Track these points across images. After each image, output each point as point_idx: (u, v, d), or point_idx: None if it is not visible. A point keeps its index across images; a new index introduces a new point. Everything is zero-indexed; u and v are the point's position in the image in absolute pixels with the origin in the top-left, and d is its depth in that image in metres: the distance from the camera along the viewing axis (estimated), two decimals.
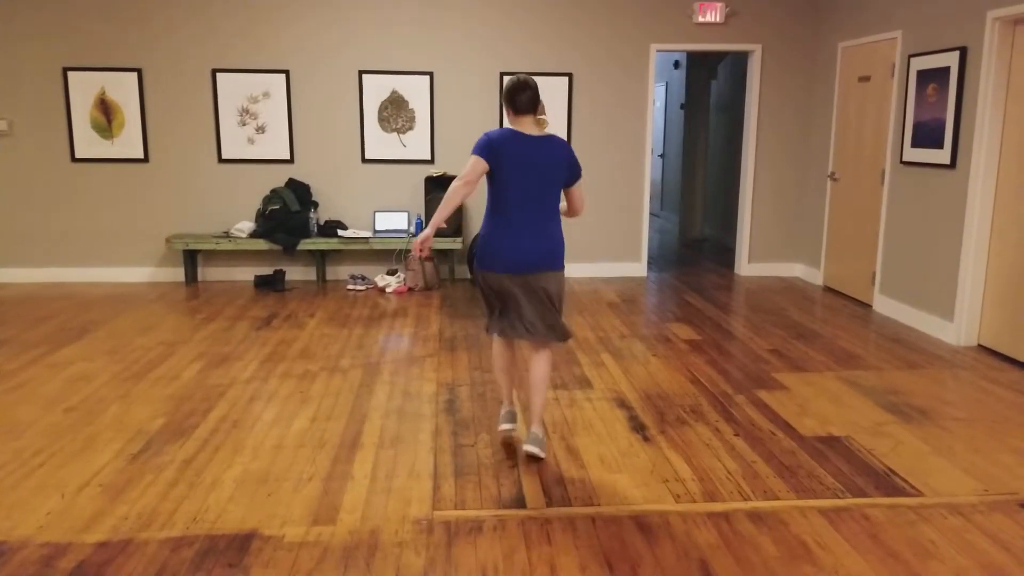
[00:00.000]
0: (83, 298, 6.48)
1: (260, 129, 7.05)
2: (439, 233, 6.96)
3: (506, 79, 3.35)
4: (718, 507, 3.01)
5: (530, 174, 3.22)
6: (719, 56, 9.72)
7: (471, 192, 3.21)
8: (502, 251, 3.26)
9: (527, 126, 3.28)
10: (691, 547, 2.72)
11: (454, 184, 3.17)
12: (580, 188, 3.39)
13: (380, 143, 7.17)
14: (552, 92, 7.19)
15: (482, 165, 3.19)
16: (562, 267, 3.38)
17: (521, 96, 3.23)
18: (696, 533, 2.82)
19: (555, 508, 2.99)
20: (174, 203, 7.10)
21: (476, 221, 7.36)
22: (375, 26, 6.99)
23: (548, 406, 4.04)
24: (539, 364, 3.40)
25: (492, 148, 3.19)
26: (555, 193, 3.31)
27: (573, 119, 7.28)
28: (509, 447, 3.55)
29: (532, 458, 3.39)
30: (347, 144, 7.17)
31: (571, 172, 3.33)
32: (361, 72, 7.04)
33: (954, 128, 5.25)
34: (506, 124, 3.37)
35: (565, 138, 7.23)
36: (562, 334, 3.42)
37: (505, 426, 3.57)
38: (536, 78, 7.10)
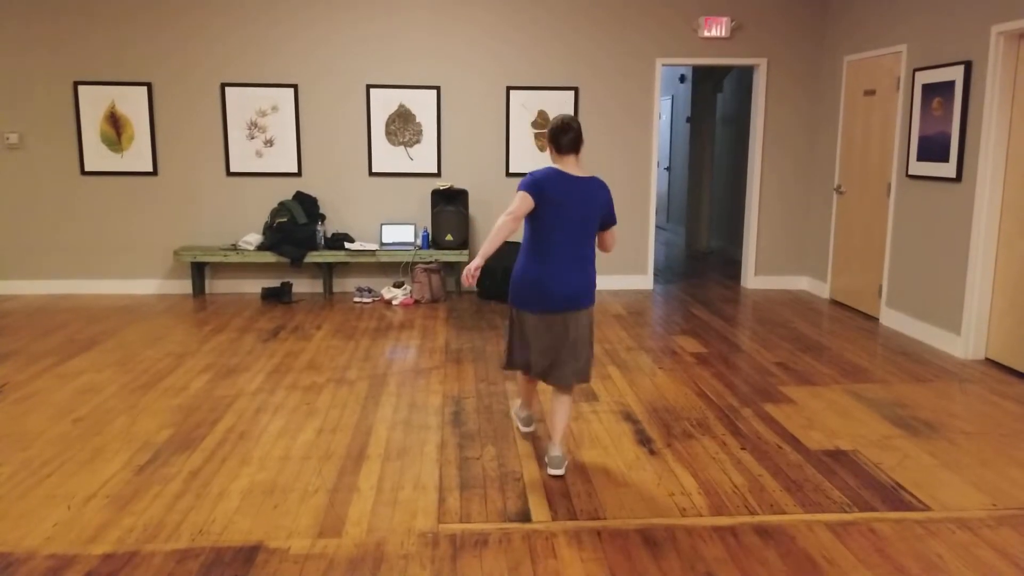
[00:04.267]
0: (92, 310, 6.51)
1: (268, 142, 7.10)
2: (444, 245, 6.98)
3: (552, 118, 3.43)
4: (724, 521, 3.00)
5: (572, 214, 3.27)
6: (725, 70, 9.76)
7: (517, 228, 3.26)
8: (543, 288, 3.30)
9: (570, 165, 3.35)
10: (697, 561, 2.71)
11: (502, 218, 3.22)
12: (614, 233, 3.47)
13: (387, 156, 7.21)
14: (558, 106, 7.22)
15: (529, 202, 3.24)
16: (593, 303, 3.44)
17: (565, 137, 3.33)
18: (702, 547, 2.81)
19: (561, 522, 2.99)
20: (182, 216, 7.14)
21: (482, 235, 7.38)
22: (383, 40, 7.05)
23: None
24: (563, 403, 3.45)
25: (538, 187, 3.24)
26: (593, 233, 3.37)
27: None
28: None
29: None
30: (354, 157, 7.21)
31: (608, 215, 3.40)
32: (369, 86, 7.09)
33: (959, 142, 5.26)
34: (549, 163, 3.44)
35: None
36: (585, 376, 3.44)
37: (526, 429, 3.76)
38: (542, 92, 7.20)
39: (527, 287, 3.33)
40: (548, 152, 3.43)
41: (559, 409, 3.44)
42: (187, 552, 2.74)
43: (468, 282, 3.25)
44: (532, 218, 3.30)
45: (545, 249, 3.30)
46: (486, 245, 3.22)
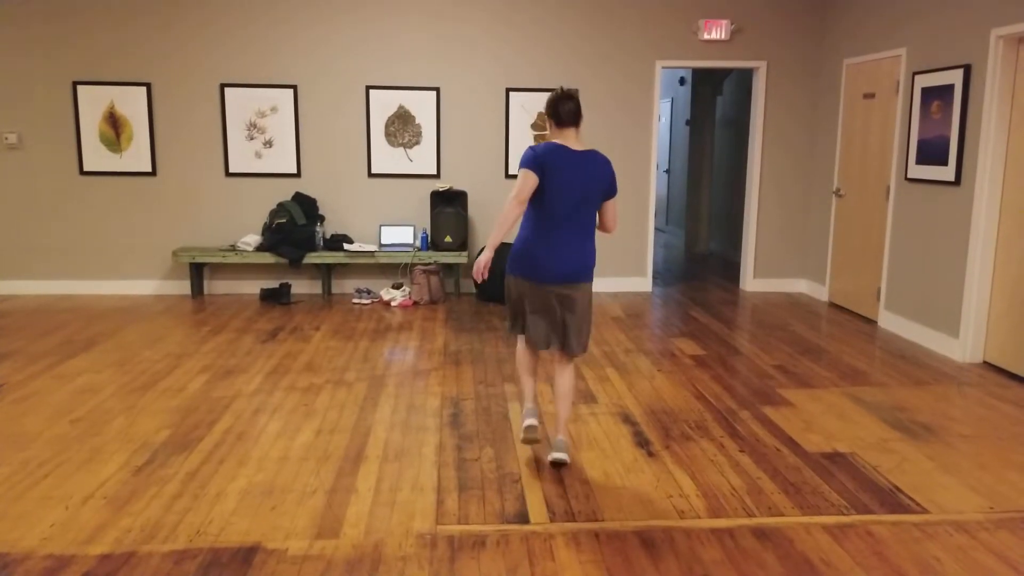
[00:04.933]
0: (90, 310, 6.51)
1: (267, 143, 7.10)
2: (443, 247, 6.98)
3: (548, 93, 3.41)
4: (722, 523, 3.00)
5: (574, 187, 3.26)
6: (724, 72, 9.77)
7: (523, 211, 3.23)
8: (543, 261, 3.31)
9: (570, 139, 3.33)
10: (695, 563, 2.71)
11: (508, 204, 3.19)
12: (615, 204, 3.44)
13: (386, 157, 7.21)
14: None
15: (533, 179, 3.21)
16: (592, 279, 3.44)
17: (564, 107, 3.30)
18: (700, 549, 2.81)
19: (559, 523, 2.99)
20: (181, 216, 7.14)
21: (482, 236, 7.38)
22: (382, 42, 7.05)
23: (551, 421, 4.03)
24: (565, 375, 3.49)
25: (540, 161, 3.23)
26: (595, 207, 3.36)
27: (579, 134, 7.29)
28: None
29: (557, 464, 3.44)
30: (353, 158, 7.21)
31: (610, 188, 3.38)
32: (368, 87, 7.09)
33: (958, 145, 5.26)
34: (549, 138, 3.43)
35: None
36: (585, 346, 3.48)
37: (530, 420, 3.47)
38: (542, 94, 7.19)
39: (526, 259, 3.33)
40: (549, 128, 3.38)
41: (563, 384, 3.46)
42: (184, 553, 2.74)
43: (480, 277, 3.22)
44: (534, 192, 3.27)
45: (545, 223, 3.29)
46: (494, 234, 3.19)
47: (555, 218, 3.28)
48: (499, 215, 3.19)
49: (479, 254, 7.11)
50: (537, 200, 3.28)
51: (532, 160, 3.23)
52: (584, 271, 3.37)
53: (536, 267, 3.31)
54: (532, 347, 3.55)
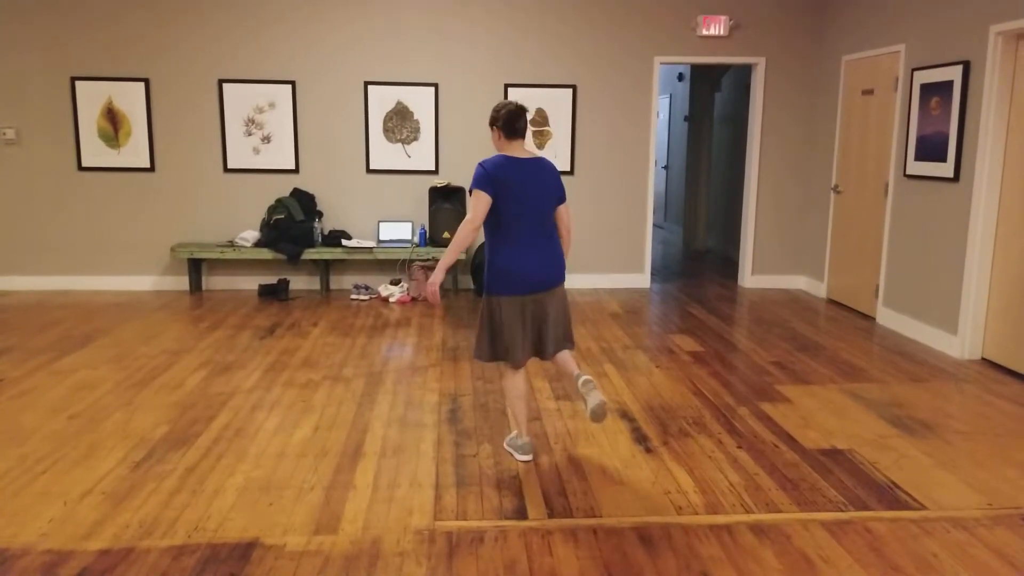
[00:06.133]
0: (88, 306, 6.50)
1: (265, 139, 7.08)
2: (442, 243, 6.97)
3: (498, 104, 3.43)
4: (720, 519, 3.00)
5: (530, 196, 3.32)
6: (723, 69, 9.76)
7: (477, 234, 3.30)
8: (522, 273, 3.34)
9: (518, 149, 3.39)
10: (693, 559, 2.72)
11: (464, 228, 3.23)
12: (567, 209, 3.53)
13: (385, 153, 7.20)
14: (556, 104, 7.22)
15: (486, 201, 3.25)
16: (565, 278, 3.54)
17: (519, 123, 3.36)
18: (698, 545, 2.81)
19: (557, 519, 2.99)
20: (179, 212, 7.13)
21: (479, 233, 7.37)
22: (381, 37, 7.03)
23: (549, 417, 4.05)
24: (563, 355, 3.53)
25: (492, 179, 3.26)
26: (552, 211, 3.43)
27: (577, 131, 7.30)
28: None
29: (599, 414, 3.24)
30: (352, 154, 7.20)
31: (561, 192, 3.47)
32: (366, 83, 7.07)
33: (957, 141, 5.26)
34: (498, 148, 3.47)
35: (568, 150, 7.29)
36: (572, 342, 3.56)
37: (524, 457, 3.52)
38: (540, 90, 7.20)
39: (508, 274, 3.34)
40: (496, 139, 3.41)
41: (565, 360, 3.49)
42: (183, 548, 2.74)
43: (435, 300, 3.28)
44: (493, 208, 3.30)
45: (514, 235, 3.33)
46: (448, 257, 3.26)
47: (520, 229, 3.32)
48: (454, 238, 3.23)
49: (478, 250, 7.13)
50: (497, 215, 3.31)
51: (484, 179, 3.25)
52: (562, 272, 3.47)
53: (523, 280, 3.34)
54: (519, 365, 3.50)
